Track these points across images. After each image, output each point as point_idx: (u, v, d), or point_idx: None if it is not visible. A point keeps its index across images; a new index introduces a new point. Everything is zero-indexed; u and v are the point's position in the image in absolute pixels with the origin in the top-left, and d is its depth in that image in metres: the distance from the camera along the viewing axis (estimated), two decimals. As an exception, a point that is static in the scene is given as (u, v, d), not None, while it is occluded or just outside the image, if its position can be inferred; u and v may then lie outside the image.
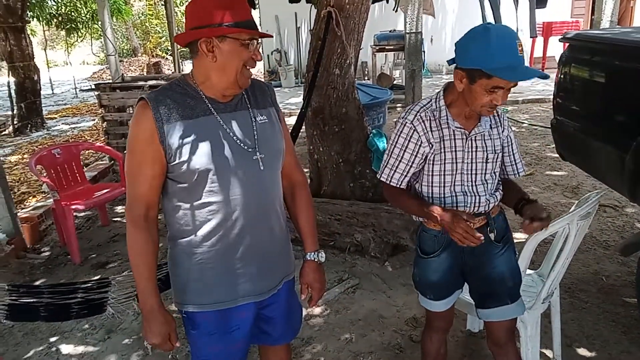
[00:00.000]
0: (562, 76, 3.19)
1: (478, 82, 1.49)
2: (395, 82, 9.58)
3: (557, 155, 3.59)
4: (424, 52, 8.47)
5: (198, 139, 1.34)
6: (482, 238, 1.53)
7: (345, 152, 3.92)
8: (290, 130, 3.76)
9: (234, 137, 1.39)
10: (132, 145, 1.36)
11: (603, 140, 2.79)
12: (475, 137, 1.65)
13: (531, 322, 1.98)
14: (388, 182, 1.73)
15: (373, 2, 3.92)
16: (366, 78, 11.11)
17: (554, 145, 3.60)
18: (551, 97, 3.38)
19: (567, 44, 3.21)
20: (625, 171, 2.51)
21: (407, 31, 6.88)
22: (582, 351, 2.45)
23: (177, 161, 1.33)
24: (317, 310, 2.90)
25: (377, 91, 6.03)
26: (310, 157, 4.14)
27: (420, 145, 1.64)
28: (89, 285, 2.40)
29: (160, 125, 1.32)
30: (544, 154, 5.64)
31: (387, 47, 9.38)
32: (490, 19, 8.57)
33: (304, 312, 2.85)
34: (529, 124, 7.09)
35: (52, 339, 2.79)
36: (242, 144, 1.40)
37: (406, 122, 1.66)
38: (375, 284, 3.15)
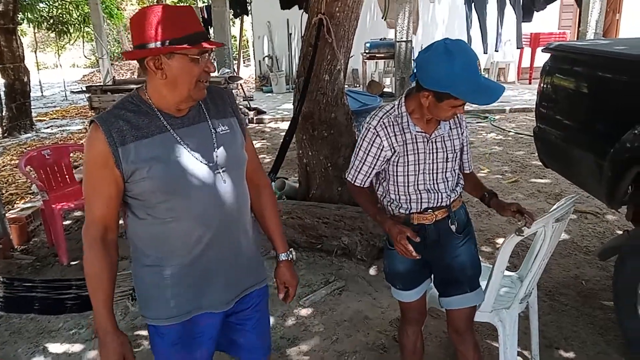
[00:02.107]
0: (544, 85, 3.28)
1: (445, 101, 1.60)
2: (385, 90, 9.68)
3: (540, 162, 3.68)
4: (414, 60, 8.58)
5: (155, 158, 1.31)
6: (418, 257, 1.72)
7: (333, 156, 3.98)
8: (284, 135, 3.82)
9: (193, 153, 1.36)
10: (87, 168, 1.34)
11: (582, 147, 2.87)
12: (436, 139, 1.77)
13: (509, 322, 2.04)
14: (352, 182, 1.87)
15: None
16: (357, 85, 11.21)
17: (537, 152, 3.69)
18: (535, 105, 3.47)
19: (550, 54, 3.31)
20: (603, 178, 2.59)
21: (398, 39, 7.00)
22: (561, 352, 2.53)
23: (134, 181, 1.31)
24: (303, 311, 2.95)
25: (367, 98, 6.11)
26: (299, 161, 4.19)
27: (382, 150, 1.76)
28: (82, 282, 2.42)
29: (114, 149, 1.28)
30: (529, 161, 5.75)
31: (377, 55, 9.49)
32: (476, 28, 8.75)
33: (284, 309, 2.91)
34: (515, 133, 7.22)
35: (39, 339, 2.80)
36: (201, 160, 1.37)
37: (370, 127, 1.76)
38: (361, 286, 3.21)
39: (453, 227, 1.85)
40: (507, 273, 2.20)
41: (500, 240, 3.77)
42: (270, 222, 1.65)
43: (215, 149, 1.40)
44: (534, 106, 3.47)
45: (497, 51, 9.29)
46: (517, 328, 2.10)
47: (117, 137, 1.29)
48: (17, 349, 2.72)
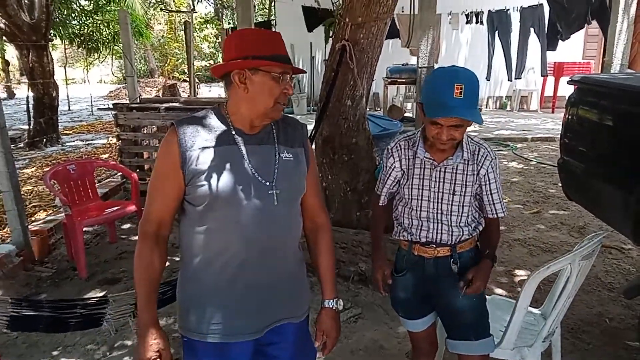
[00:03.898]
0: (569, 117, 3.25)
1: (425, 116, 1.67)
2: (405, 114, 9.69)
3: (564, 194, 3.62)
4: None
5: (216, 166, 1.37)
6: (384, 294, 1.91)
7: (353, 181, 3.98)
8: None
9: (252, 169, 1.40)
10: (156, 165, 1.44)
11: (608, 182, 2.82)
12: (445, 168, 1.76)
13: (531, 360, 1.98)
14: (376, 190, 1.96)
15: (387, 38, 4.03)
16: (377, 109, 11.25)
17: (561, 184, 3.63)
18: (559, 136, 3.44)
19: (575, 86, 3.28)
20: (630, 214, 2.53)
21: (420, 65, 6.99)
22: (583, 393, 2.44)
23: (192, 185, 1.37)
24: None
25: (388, 123, 6.11)
26: (318, 185, 4.19)
27: (393, 169, 1.85)
28: (88, 302, 2.45)
29: (183, 151, 1.36)
30: (551, 192, 5.66)
31: (399, 80, 9.53)
32: (499, 56, 8.74)
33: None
34: (537, 162, 7.13)
35: (55, 352, 2.81)
36: (258, 177, 1.40)
37: (388, 148, 1.88)
38: (378, 315, 3.16)
39: (454, 267, 1.81)
40: (529, 309, 2.14)
41: (520, 273, 3.70)
42: (322, 264, 1.61)
43: (275, 172, 1.43)
44: (557, 136, 3.45)
45: (520, 78, 9.24)
46: (538, 367, 2.04)
47: (188, 141, 1.37)
48: (33, 362, 2.74)
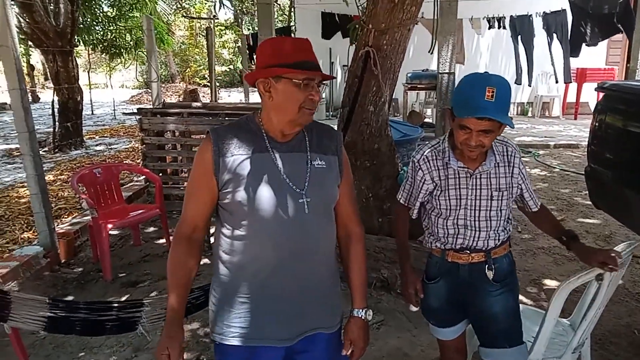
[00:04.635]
0: (597, 124, 3.21)
1: (455, 120, 1.65)
2: (425, 120, 9.64)
3: (589, 202, 3.56)
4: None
5: (247, 172, 1.39)
6: (416, 309, 1.88)
7: (375, 187, 3.97)
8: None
9: (284, 177, 1.41)
10: (192, 171, 1.47)
11: (638, 189, 2.77)
12: (481, 175, 1.75)
13: (561, 372, 1.95)
14: (399, 199, 1.95)
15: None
16: (397, 115, 11.22)
17: (585, 192, 3.58)
18: (582, 142, 3.40)
19: (602, 94, 3.24)
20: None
21: (440, 71, 6.96)
22: (612, 406, 2.39)
23: (225, 191, 1.40)
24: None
25: (408, 128, 6.09)
26: (340, 190, 4.19)
27: (424, 182, 1.81)
28: (124, 304, 2.48)
29: (216, 159, 1.40)
30: (576, 200, 5.57)
31: (419, 86, 9.49)
32: (524, 62, 8.65)
33: None
34: (561, 169, 7.03)
35: (81, 354, 2.86)
36: (290, 185, 1.41)
37: (414, 160, 1.85)
38: (401, 322, 3.14)
39: (490, 274, 1.79)
40: (558, 319, 2.11)
41: (546, 282, 3.64)
42: (354, 274, 1.60)
43: (307, 180, 1.44)
44: (580, 142, 3.41)
45: (557, 82, 9.09)
46: (568, 379, 2.00)
47: (222, 148, 1.41)
48: (60, 363, 2.79)
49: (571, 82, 9.32)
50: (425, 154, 1.81)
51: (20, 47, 3.85)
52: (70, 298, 3.50)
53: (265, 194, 1.39)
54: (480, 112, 1.57)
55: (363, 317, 1.58)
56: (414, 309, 1.89)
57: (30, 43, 9.19)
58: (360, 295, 1.59)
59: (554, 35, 8.33)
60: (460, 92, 1.67)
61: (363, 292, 1.60)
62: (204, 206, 1.46)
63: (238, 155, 1.41)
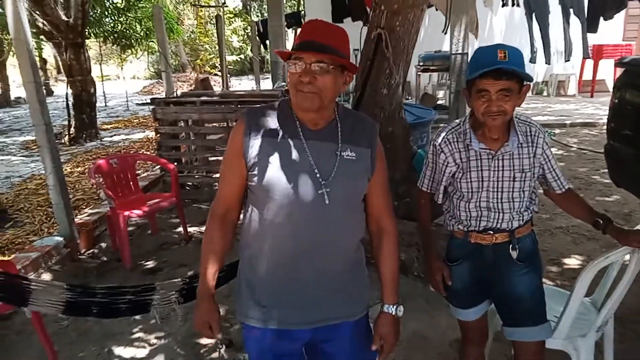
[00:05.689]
0: (617, 101, 3.14)
1: (472, 90, 1.61)
2: (438, 102, 9.54)
3: (607, 180, 3.51)
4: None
5: (274, 157, 1.38)
6: (444, 294, 1.90)
7: (390, 170, 3.90)
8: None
9: (312, 165, 1.39)
10: (225, 153, 1.49)
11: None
12: (503, 156, 1.71)
13: (585, 351, 1.94)
14: (420, 186, 1.93)
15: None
16: (409, 97, 11.11)
17: (603, 170, 3.53)
18: (600, 120, 3.33)
19: (622, 69, 3.16)
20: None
21: (453, 52, 6.87)
22: (636, 385, 2.37)
23: (253, 173, 1.40)
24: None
25: (422, 111, 6.04)
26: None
27: (447, 165, 1.78)
28: (136, 289, 2.53)
29: (246, 140, 1.40)
30: (594, 179, 5.48)
31: (431, 68, 9.38)
32: (538, 40, 8.47)
33: None
34: (578, 148, 6.92)
35: (105, 340, 2.91)
36: (316, 173, 1.38)
37: (434, 144, 1.82)
38: (419, 304, 3.14)
39: (514, 254, 1.77)
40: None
41: (566, 261, 3.61)
42: (385, 269, 1.56)
43: (333, 171, 1.40)
44: (597, 121, 3.35)
45: (569, 60, 8.89)
46: (592, 358, 1.98)
47: (253, 130, 1.41)
48: (84, 349, 2.84)
49: (589, 57, 9.12)
50: (446, 136, 1.77)
51: (32, 40, 3.86)
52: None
53: (287, 180, 1.38)
54: (496, 65, 1.52)
55: (394, 313, 1.54)
56: (443, 294, 1.90)
57: (42, 37, 9.22)
58: (392, 291, 1.56)
59: (570, 11, 8.13)
60: (473, 59, 1.62)
61: (394, 287, 1.56)
62: (234, 187, 1.47)
63: (268, 138, 1.40)
